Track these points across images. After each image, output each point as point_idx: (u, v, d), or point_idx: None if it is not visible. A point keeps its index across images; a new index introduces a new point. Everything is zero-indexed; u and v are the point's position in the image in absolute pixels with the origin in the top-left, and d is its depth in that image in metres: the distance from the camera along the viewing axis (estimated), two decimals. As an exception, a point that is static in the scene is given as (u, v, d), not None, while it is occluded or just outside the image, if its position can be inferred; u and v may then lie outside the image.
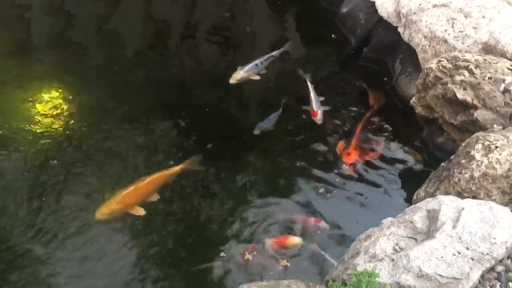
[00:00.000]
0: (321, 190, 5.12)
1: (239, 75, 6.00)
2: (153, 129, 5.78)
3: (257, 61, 6.12)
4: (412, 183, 4.84)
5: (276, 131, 5.68)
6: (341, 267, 3.34)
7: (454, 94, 4.80)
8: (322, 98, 5.90)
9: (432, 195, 4.09)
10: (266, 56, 6.22)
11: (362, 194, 5.12)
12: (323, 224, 4.76)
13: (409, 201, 4.57)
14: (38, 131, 5.67)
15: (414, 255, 3.12)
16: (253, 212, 4.98)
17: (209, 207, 5.02)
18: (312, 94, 5.86)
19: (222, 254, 4.57)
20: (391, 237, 3.34)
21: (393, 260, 3.15)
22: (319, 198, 5.09)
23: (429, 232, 3.31)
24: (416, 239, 3.32)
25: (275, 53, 6.33)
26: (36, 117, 5.84)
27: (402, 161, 5.45)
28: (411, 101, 5.33)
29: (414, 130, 5.57)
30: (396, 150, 5.55)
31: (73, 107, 6.00)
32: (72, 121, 5.81)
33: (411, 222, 3.42)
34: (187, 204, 5.04)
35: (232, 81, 5.95)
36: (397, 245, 3.30)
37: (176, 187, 5.17)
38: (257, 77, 6.09)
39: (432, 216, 3.37)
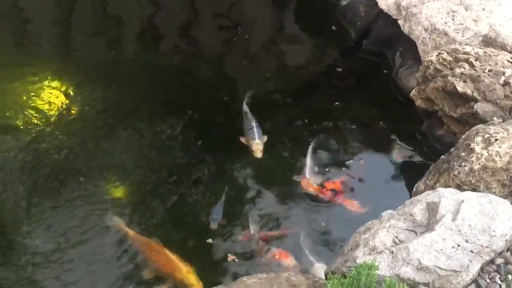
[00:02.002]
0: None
1: (259, 145, 5.26)
2: (156, 122, 5.78)
3: (254, 123, 5.42)
4: (411, 176, 4.84)
5: (276, 124, 5.71)
6: (341, 260, 3.34)
7: (454, 87, 4.78)
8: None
9: (432, 187, 4.08)
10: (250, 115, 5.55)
11: (361, 186, 5.12)
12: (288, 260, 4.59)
13: (408, 193, 4.56)
14: (39, 124, 5.69)
15: (413, 248, 3.12)
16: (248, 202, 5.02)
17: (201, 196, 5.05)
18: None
19: (209, 240, 4.60)
20: (391, 229, 3.34)
21: (392, 252, 3.15)
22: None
23: (429, 224, 3.31)
24: (415, 232, 3.32)
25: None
26: (38, 110, 5.86)
27: (402, 155, 5.45)
28: (411, 93, 5.31)
29: (414, 123, 5.57)
30: (396, 144, 5.56)
31: (75, 101, 6.02)
32: (74, 115, 5.84)
33: (411, 214, 3.42)
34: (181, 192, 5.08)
35: (260, 155, 5.22)
36: (396, 237, 3.29)
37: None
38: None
39: (432, 209, 3.36)
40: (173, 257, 4.30)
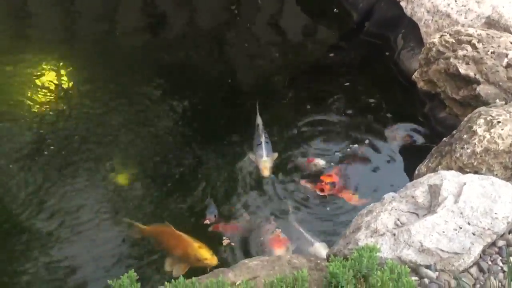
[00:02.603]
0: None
1: (267, 163, 4.97)
2: (159, 106, 5.78)
3: (263, 138, 5.13)
4: (413, 158, 4.83)
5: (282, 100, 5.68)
6: (343, 242, 3.34)
7: (457, 69, 4.76)
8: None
9: (434, 170, 4.07)
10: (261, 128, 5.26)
11: (363, 170, 5.11)
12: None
13: (410, 176, 4.56)
14: (41, 108, 5.70)
15: (415, 230, 3.11)
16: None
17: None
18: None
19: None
20: (393, 212, 3.33)
21: (394, 235, 3.15)
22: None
23: (431, 207, 3.30)
24: (417, 214, 3.31)
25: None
26: (36, 90, 5.85)
27: (404, 137, 5.43)
28: (413, 76, 5.29)
29: (416, 105, 5.55)
30: (398, 126, 5.54)
31: (72, 80, 6.01)
32: (72, 94, 5.83)
33: (413, 197, 3.41)
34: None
35: (267, 173, 4.92)
36: (398, 220, 3.29)
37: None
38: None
39: (434, 191, 3.35)
40: (185, 236, 4.31)
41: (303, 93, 5.88)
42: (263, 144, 5.01)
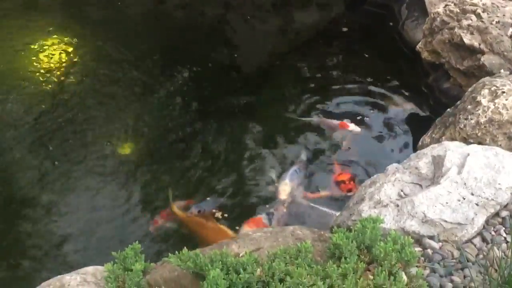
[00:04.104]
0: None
1: (286, 185, 4.73)
2: (162, 79, 5.76)
3: (295, 167, 4.88)
4: (417, 129, 4.81)
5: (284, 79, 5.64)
6: (346, 214, 3.34)
7: (461, 39, 4.70)
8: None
9: (438, 141, 4.05)
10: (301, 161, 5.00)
11: (367, 141, 5.09)
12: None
13: (414, 147, 4.54)
14: (44, 82, 5.68)
15: (418, 201, 3.10)
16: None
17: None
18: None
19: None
20: (396, 183, 3.32)
21: (397, 206, 3.14)
22: (326, 148, 5.06)
23: (434, 178, 3.29)
24: (421, 185, 3.30)
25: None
26: (42, 68, 5.84)
27: (408, 108, 5.40)
28: (417, 46, 5.24)
29: (420, 76, 5.51)
30: (401, 98, 5.51)
31: (76, 54, 5.98)
32: (75, 68, 5.81)
33: (416, 168, 3.40)
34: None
35: (284, 196, 4.65)
36: (402, 191, 3.28)
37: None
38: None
39: (437, 162, 3.34)
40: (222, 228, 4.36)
41: (304, 63, 5.83)
42: (291, 171, 4.81)
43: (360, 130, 5.10)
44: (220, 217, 4.47)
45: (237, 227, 4.32)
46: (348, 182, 4.70)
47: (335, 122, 5.17)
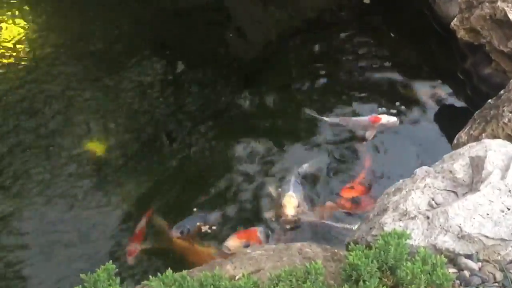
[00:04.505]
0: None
1: (292, 198, 4.61)
2: (142, 65, 5.81)
3: (293, 178, 4.85)
4: (451, 125, 4.81)
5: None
6: (365, 227, 3.33)
7: (505, 14, 4.70)
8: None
9: (477, 138, 4.04)
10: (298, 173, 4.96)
11: (392, 139, 5.10)
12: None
13: (448, 146, 4.54)
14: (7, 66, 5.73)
15: (453, 212, 3.09)
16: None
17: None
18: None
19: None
20: (426, 190, 3.31)
21: (428, 218, 3.13)
22: (347, 148, 5.09)
23: (472, 184, 3.28)
24: (456, 193, 3.29)
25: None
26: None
27: (440, 99, 5.41)
28: (452, 23, 5.23)
29: (455, 60, 5.51)
30: (433, 86, 5.52)
31: (43, 35, 6.03)
32: (47, 56, 5.89)
33: (451, 171, 3.39)
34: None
35: (291, 211, 4.52)
36: (433, 199, 3.27)
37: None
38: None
39: (476, 165, 3.33)
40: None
41: (315, 45, 5.85)
42: (292, 181, 4.74)
43: (396, 120, 5.10)
44: (209, 231, 4.47)
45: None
46: (346, 200, 4.63)
47: (364, 118, 5.15)
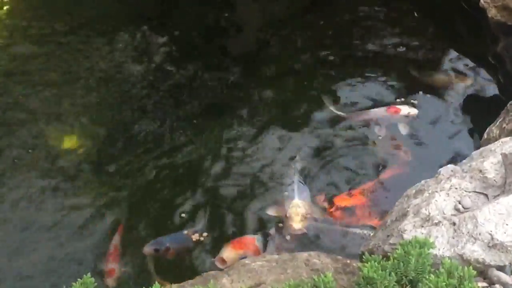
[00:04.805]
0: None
1: (299, 207, 4.53)
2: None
3: (296, 178, 4.80)
4: (481, 116, 4.81)
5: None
6: (382, 235, 3.33)
7: (544, -10, 4.71)
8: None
9: (510, 133, 4.05)
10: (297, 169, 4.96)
11: (414, 134, 5.10)
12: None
13: (477, 141, 4.54)
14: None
15: (483, 217, 3.10)
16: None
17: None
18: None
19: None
20: (452, 192, 3.32)
21: (454, 224, 3.14)
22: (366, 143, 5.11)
23: (505, 185, 3.29)
24: (486, 195, 3.30)
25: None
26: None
27: (468, 87, 5.41)
28: (481, 1, 5.24)
29: (486, 42, 5.51)
30: (460, 72, 5.53)
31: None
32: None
33: (480, 171, 3.39)
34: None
35: (298, 225, 4.43)
36: (459, 203, 3.28)
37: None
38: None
39: (510, 163, 3.34)
40: None
41: (324, 25, 5.88)
42: (296, 184, 4.69)
43: (416, 111, 5.12)
44: (201, 238, 4.48)
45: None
46: (336, 208, 4.59)
47: (381, 110, 5.16)
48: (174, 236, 4.54)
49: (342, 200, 4.65)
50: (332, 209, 4.57)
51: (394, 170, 4.84)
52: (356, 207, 4.60)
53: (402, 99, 5.30)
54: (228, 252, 4.32)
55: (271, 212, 4.61)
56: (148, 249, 4.41)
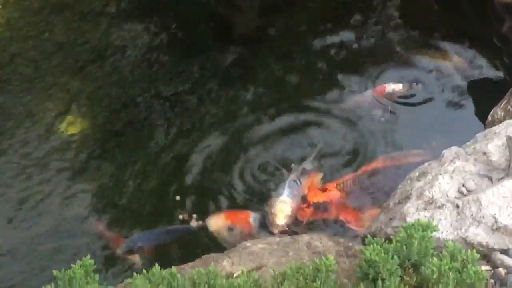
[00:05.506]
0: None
1: (284, 205, 4.48)
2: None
3: (291, 177, 4.73)
4: (486, 98, 4.80)
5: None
6: (384, 218, 3.34)
7: (551, -31, 4.69)
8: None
9: (515, 115, 4.05)
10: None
11: (417, 116, 5.09)
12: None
13: (482, 123, 4.53)
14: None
15: (487, 200, 3.10)
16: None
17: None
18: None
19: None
20: (456, 174, 3.32)
21: (457, 207, 3.14)
22: (369, 124, 5.11)
23: (510, 167, 3.29)
24: (490, 178, 3.30)
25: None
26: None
27: (472, 68, 5.40)
28: (486, -21, 5.23)
29: (490, 22, 5.49)
30: (463, 53, 5.51)
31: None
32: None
33: (484, 153, 3.40)
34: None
35: (281, 221, 4.39)
36: (463, 185, 3.28)
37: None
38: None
39: (515, 145, 3.34)
40: None
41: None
42: (287, 183, 4.62)
43: (403, 88, 5.11)
44: (197, 223, 4.48)
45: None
46: (307, 205, 4.50)
47: (366, 94, 5.18)
48: (148, 234, 4.51)
49: (314, 195, 4.54)
50: (304, 206, 4.47)
51: (378, 163, 4.75)
52: (330, 202, 4.51)
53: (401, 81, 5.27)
54: (215, 219, 4.32)
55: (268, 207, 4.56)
56: (120, 251, 4.37)
